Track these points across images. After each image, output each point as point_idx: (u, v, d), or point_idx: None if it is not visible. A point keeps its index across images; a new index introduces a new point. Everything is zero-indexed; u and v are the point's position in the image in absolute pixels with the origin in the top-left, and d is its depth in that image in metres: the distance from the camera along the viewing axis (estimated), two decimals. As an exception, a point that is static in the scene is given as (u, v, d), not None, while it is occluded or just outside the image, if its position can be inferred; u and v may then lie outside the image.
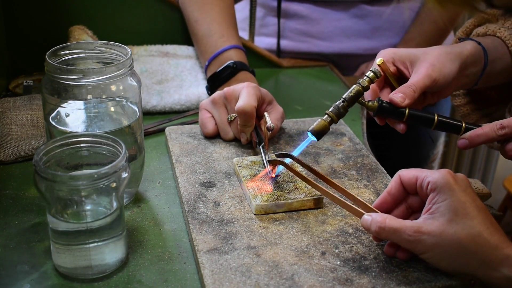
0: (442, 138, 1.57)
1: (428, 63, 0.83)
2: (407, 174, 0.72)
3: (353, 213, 0.74)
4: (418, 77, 0.82)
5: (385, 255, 0.72)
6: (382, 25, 1.41)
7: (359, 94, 0.82)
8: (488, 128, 0.80)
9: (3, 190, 0.87)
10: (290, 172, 0.85)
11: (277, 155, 0.84)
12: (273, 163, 0.84)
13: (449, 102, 1.56)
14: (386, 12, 1.40)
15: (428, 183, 0.68)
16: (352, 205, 0.74)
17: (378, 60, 0.84)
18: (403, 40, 1.42)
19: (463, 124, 0.83)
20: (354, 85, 0.82)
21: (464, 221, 0.65)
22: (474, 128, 0.82)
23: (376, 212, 0.72)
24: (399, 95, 0.81)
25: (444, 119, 0.84)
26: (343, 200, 0.75)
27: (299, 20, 1.40)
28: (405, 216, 0.74)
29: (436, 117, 0.83)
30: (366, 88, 0.82)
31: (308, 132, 0.81)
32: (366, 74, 0.82)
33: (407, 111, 0.82)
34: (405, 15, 1.42)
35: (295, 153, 0.83)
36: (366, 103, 0.83)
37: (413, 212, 0.74)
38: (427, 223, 0.66)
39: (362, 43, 1.41)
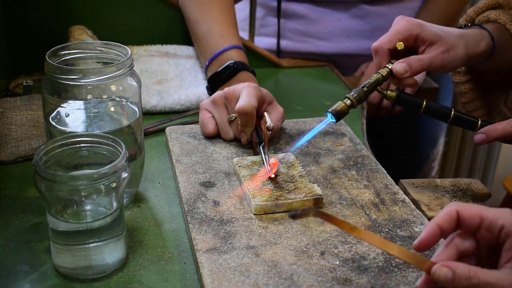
0: (442, 138, 1.57)
1: (444, 47, 0.83)
2: (468, 211, 0.61)
3: (412, 263, 0.62)
4: (430, 59, 0.82)
5: (384, 255, 0.72)
6: (382, 25, 1.41)
7: (378, 83, 0.83)
8: (505, 123, 0.81)
9: (3, 190, 0.87)
10: (290, 172, 0.85)
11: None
12: (302, 215, 0.62)
13: (451, 90, 1.54)
14: (386, 12, 1.40)
15: (502, 227, 0.59)
16: (415, 253, 0.63)
17: (398, 45, 0.83)
18: None
19: (479, 121, 0.83)
20: (374, 74, 0.83)
21: None
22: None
23: (432, 262, 0.61)
24: (403, 64, 0.81)
25: (460, 114, 0.84)
26: (399, 246, 0.63)
27: (299, 20, 1.40)
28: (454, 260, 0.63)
29: (452, 112, 0.83)
30: (385, 78, 0.83)
31: (328, 113, 0.82)
32: (387, 65, 0.84)
33: (424, 103, 0.83)
34: (405, 15, 1.42)
35: (312, 133, 0.84)
36: (385, 92, 0.84)
37: (462, 256, 0.62)
38: None
39: (362, 43, 1.41)
